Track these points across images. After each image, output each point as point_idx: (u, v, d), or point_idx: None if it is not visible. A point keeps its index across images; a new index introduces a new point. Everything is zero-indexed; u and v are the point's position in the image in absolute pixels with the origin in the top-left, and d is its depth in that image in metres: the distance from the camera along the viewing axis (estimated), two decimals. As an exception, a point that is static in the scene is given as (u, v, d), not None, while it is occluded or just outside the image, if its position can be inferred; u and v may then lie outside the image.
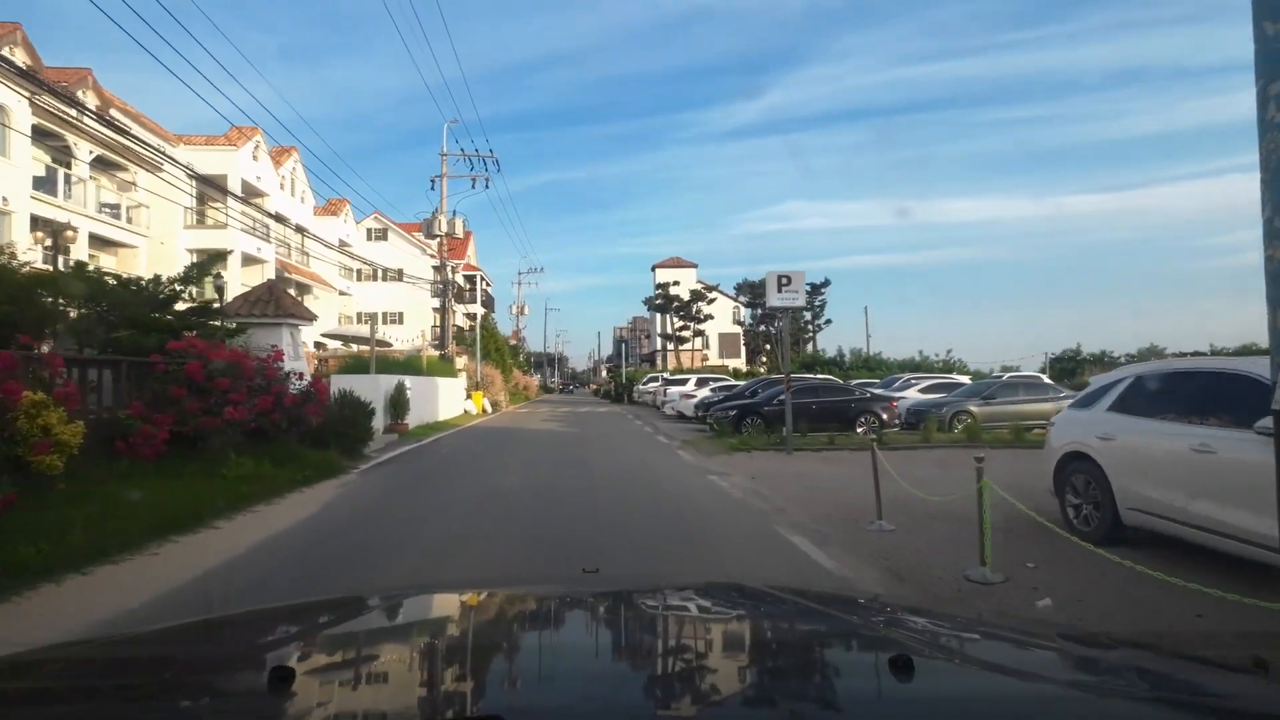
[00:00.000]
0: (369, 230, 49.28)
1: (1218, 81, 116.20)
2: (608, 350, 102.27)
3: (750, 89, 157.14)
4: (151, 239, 29.04)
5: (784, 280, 13.22)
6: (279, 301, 11.64)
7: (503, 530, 6.88)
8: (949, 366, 44.60)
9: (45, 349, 7.66)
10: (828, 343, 68.87)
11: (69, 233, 19.40)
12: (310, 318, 12.54)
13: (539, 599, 1.81)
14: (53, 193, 23.33)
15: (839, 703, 1.08)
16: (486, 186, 29.54)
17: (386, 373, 17.53)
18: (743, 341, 72.73)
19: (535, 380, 66.11)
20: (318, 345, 30.43)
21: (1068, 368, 45.56)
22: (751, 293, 71.77)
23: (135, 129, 28.79)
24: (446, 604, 1.81)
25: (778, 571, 5.42)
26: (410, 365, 20.97)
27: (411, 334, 41.97)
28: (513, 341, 58.28)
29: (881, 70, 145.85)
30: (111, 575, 5.10)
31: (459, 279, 54.54)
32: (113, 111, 28.32)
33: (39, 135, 23.33)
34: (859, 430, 16.79)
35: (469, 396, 28.51)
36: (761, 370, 48.62)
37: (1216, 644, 4.51)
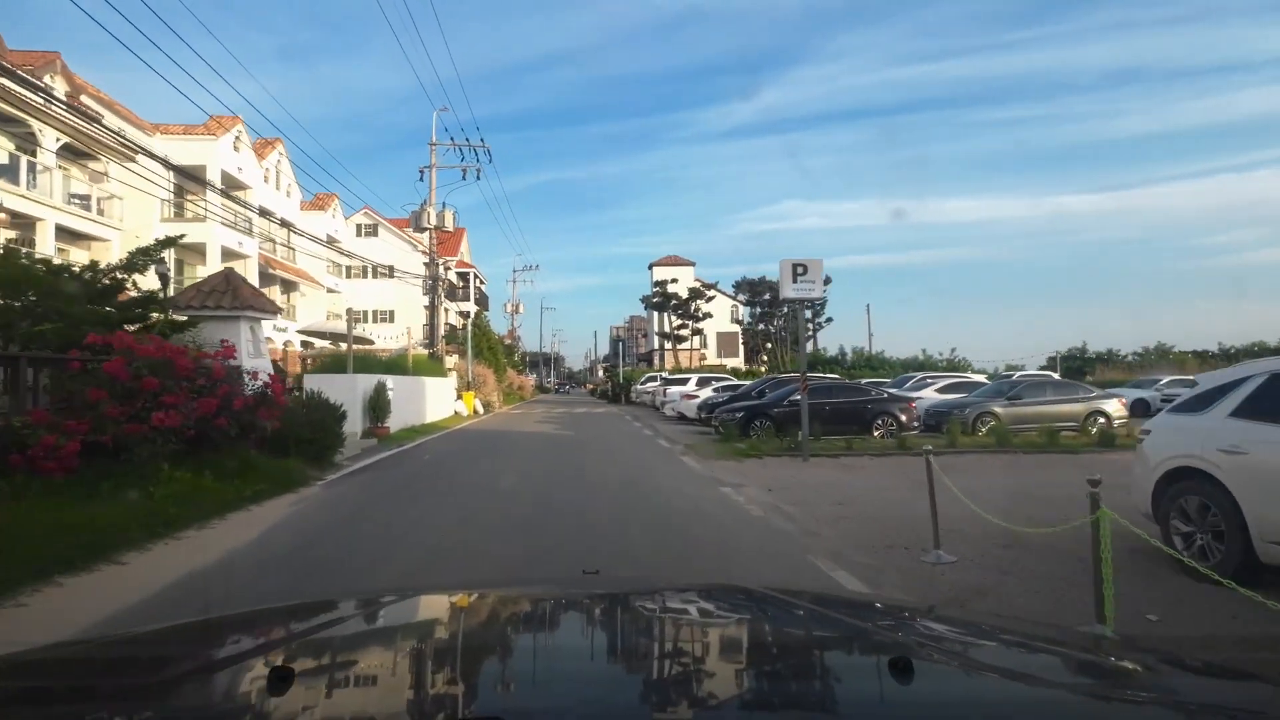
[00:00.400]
0: (359, 226, 47.93)
1: (1215, 82, 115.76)
2: (604, 350, 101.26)
3: (747, 89, 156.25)
4: (125, 232, 27.64)
5: (799, 269, 11.99)
6: (237, 292, 10.35)
7: (482, 563, 5.64)
8: (953, 365, 43.57)
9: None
10: (827, 342, 67.63)
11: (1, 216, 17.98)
12: (274, 311, 11.27)
13: (539, 600, 1.80)
14: (15, 181, 21.98)
15: (838, 705, 1.07)
16: (478, 178, 28.25)
17: (366, 372, 16.23)
18: (741, 341, 71.62)
19: (531, 380, 64.81)
20: (305, 344, 29.15)
21: (1074, 366, 44.35)
22: (751, 291, 70.69)
23: (108, 117, 27.52)
24: (446, 605, 1.76)
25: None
26: (395, 364, 19.69)
27: (397, 331, 40.59)
28: (507, 341, 56.99)
29: (879, 70, 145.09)
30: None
31: (451, 276, 53.25)
32: (84, 98, 26.99)
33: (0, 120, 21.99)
34: (876, 433, 15.57)
35: (460, 397, 27.22)
36: (762, 370, 47.38)
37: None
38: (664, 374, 40.06)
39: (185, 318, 10.08)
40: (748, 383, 23.38)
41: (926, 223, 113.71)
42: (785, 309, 70.77)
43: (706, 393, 22.01)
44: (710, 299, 63.14)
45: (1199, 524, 5.05)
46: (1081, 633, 1.98)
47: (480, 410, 28.33)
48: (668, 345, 62.19)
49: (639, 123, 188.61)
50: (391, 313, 47.30)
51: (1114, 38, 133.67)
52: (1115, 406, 16.22)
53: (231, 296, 10.32)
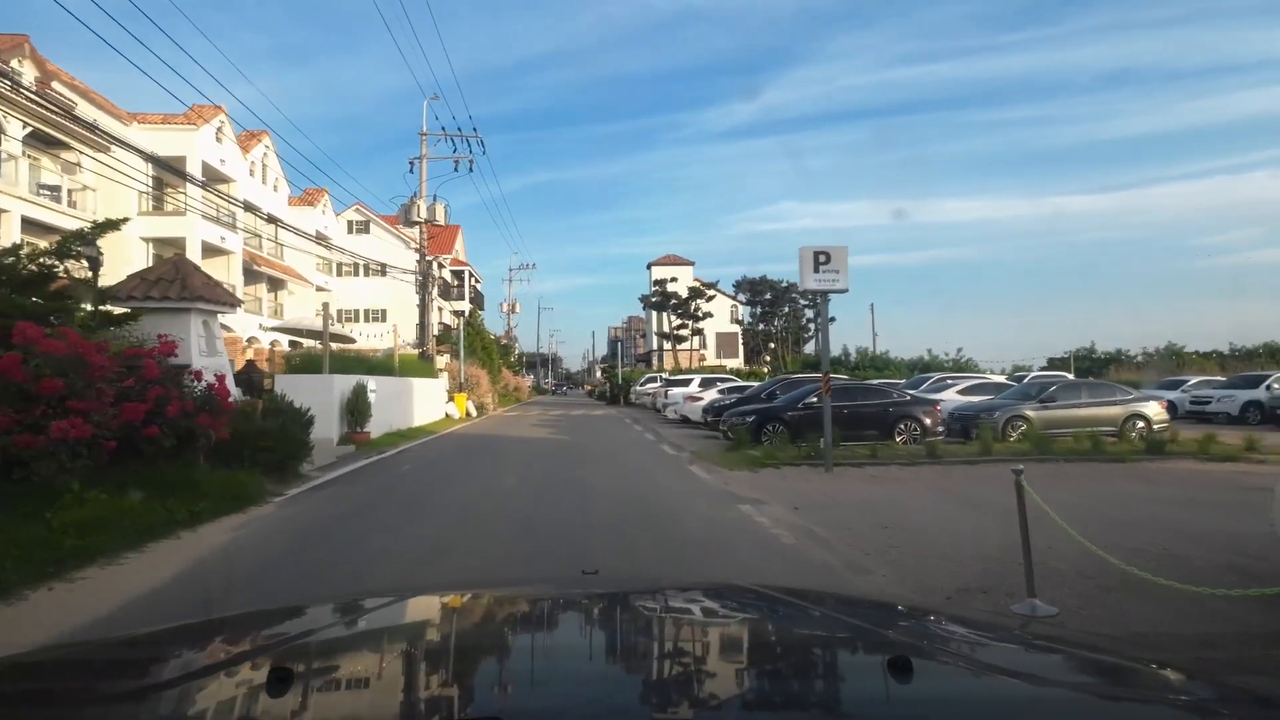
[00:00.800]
0: (350, 223, 46.63)
1: (1212, 82, 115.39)
2: (602, 351, 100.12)
3: (746, 89, 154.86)
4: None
5: (821, 258, 10.75)
6: (186, 281, 9.09)
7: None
8: (959, 366, 42.42)
9: None
10: (830, 342, 66.27)
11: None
12: (232, 303, 10.01)
13: (538, 600, 1.79)
14: (-25, 169, 20.70)
15: (837, 705, 1.08)
16: (470, 169, 27.00)
17: (345, 372, 14.96)
18: (741, 341, 70.43)
19: (527, 381, 63.52)
20: (293, 344, 27.72)
21: (1084, 366, 43.12)
22: (751, 290, 69.62)
23: (82, 105, 26.23)
24: (445, 605, 1.76)
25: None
26: (379, 364, 18.41)
27: (384, 329, 39.23)
28: (504, 341, 55.72)
29: (876, 71, 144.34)
30: None
31: (446, 274, 51.97)
32: (57, 85, 25.71)
33: (-41, 105, 20.70)
34: (898, 439, 14.33)
35: (451, 399, 25.95)
36: (764, 370, 46.13)
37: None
38: (664, 375, 38.83)
39: (126, 310, 8.81)
40: (754, 384, 22.17)
41: (925, 223, 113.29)
42: (786, 308, 69.99)
43: (711, 394, 20.76)
44: (710, 298, 61.95)
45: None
46: (1082, 632, 1.91)
47: (473, 413, 27.05)
48: (667, 345, 61.01)
49: (636, 123, 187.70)
50: (384, 312, 45.89)
51: (1110, 39, 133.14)
52: (1155, 409, 15.01)
53: (180, 286, 9.06)
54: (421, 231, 26.53)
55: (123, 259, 27.44)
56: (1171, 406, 21.06)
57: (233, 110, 33.82)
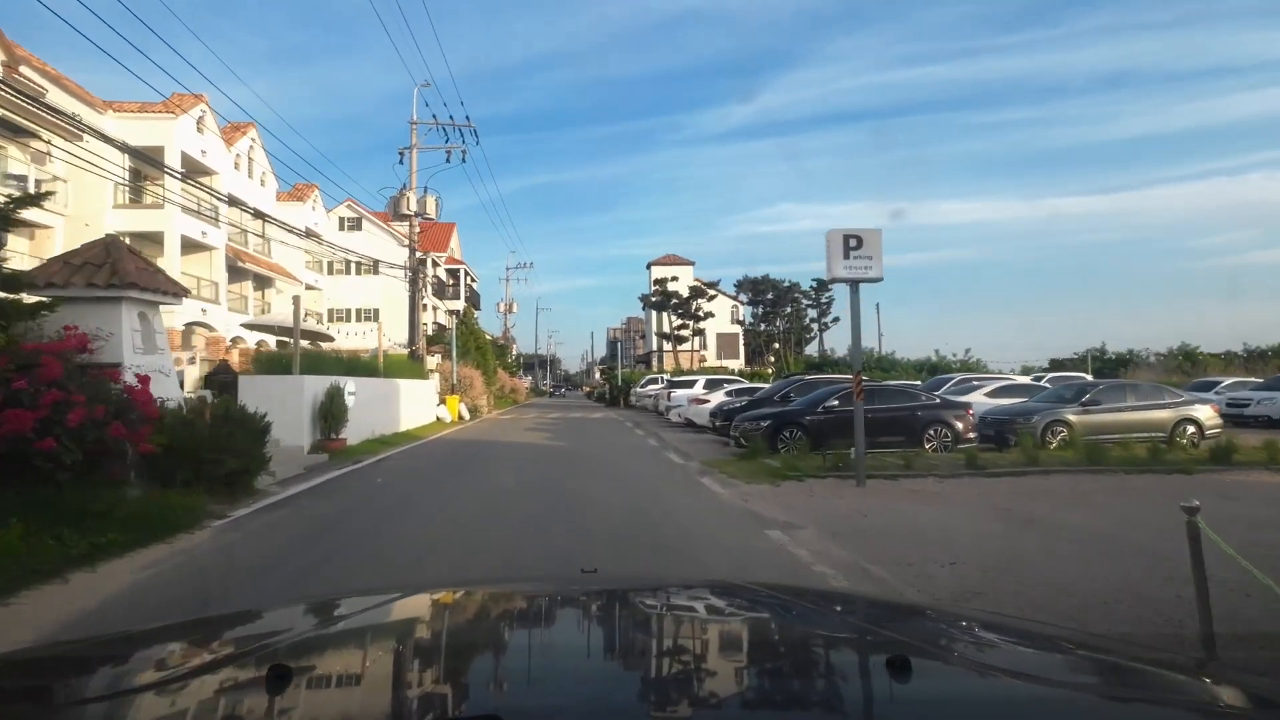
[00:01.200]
0: (341, 220, 45.28)
1: (1209, 84, 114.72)
2: (601, 352, 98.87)
3: (744, 91, 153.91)
4: (72, 218, 25.04)
5: (852, 242, 9.44)
6: (118, 266, 7.76)
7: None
8: (967, 366, 41.20)
9: None
10: (834, 342, 65.14)
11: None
12: (176, 291, 8.67)
13: (537, 598, 1.74)
14: (-70, 157, 19.37)
15: (836, 703, 1.07)
16: (463, 160, 25.62)
17: (320, 372, 13.62)
18: (742, 341, 69.16)
19: (525, 383, 62.17)
20: (280, 344, 26.25)
21: (1099, 368, 41.78)
22: (753, 290, 68.41)
23: (53, 92, 24.89)
24: (444, 603, 1.72)
25: None
26: (360, 364, 17.09)
27: (375, 329, 37.81)
28: (500, 341, 54.38)
29: (874, 73, 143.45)
30: None
31: (440, 273, 50.65)
32: (26, 70, 24.38)
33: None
34: (928, 446, 13.03)
35: (442, 402, 24.62)
36: (768, 371, 44.79)
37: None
38: (666, 375, 37.54)
39: (43, 299, 7.48)
40: (765, 385, 20.85)
41: (923, 224, 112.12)
42: (788, 308, 68.72)
43: (719, 396, 19.43)
44: (712, 298, 60.71)
45: None
46: (1082, 631, 1.82)
47: (465, 416, 25.72)
48: (667, 346, 59.72)
49: (635, 125, 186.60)
50: (376, 311, 44.41)
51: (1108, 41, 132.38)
52: (1208, 413, 13.72)
53: (109, 272, 7.74)
54: (411, 225, 25.19)
55: (97, 254, 26.22)
56: (1208, 409, 19.82)
57: (225, 108, 32.49)
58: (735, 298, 68.75)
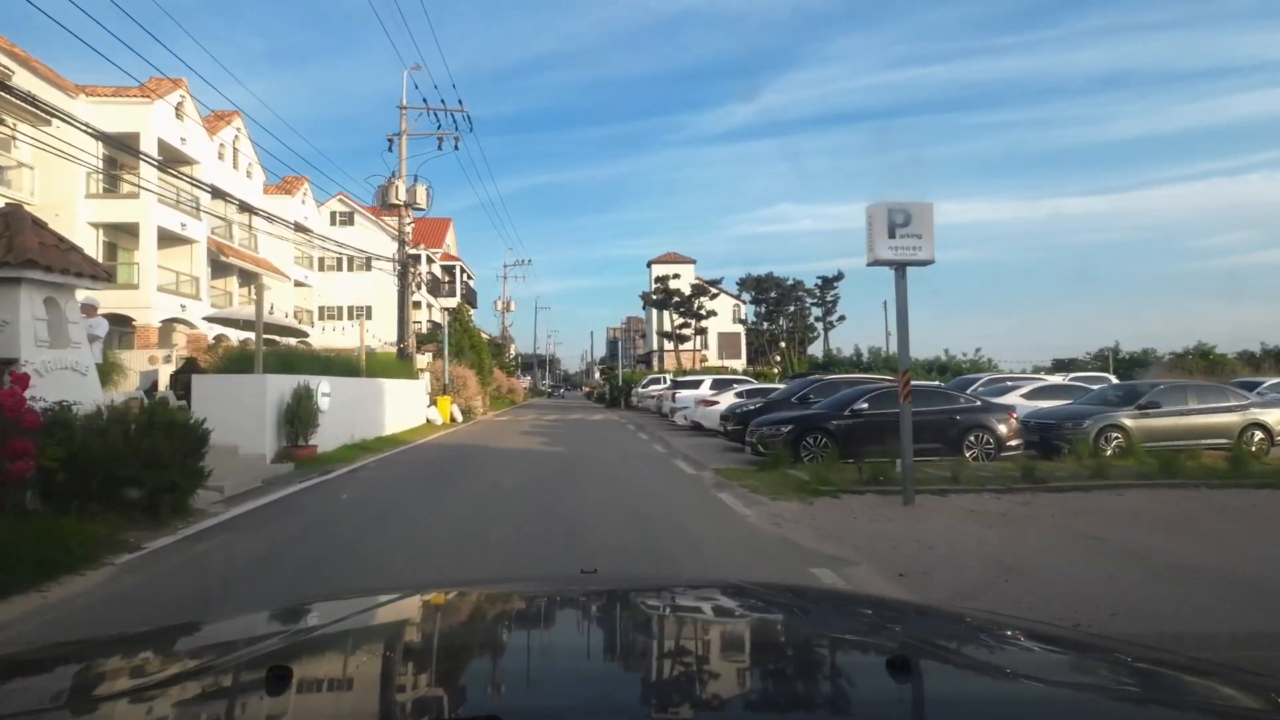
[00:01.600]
0: (333, 214, 43.87)
1: (1206, 86, 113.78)
2: (601, 352, 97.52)
3: (743, 91, 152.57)
4: (40, 207, 23.51)
5: (898, 217, 8.04)
6: (15, 240, 6.35)
7: None
8: (977, 366, 39.93)
9: None
10: (840, 341, 63.86)
11: None
12: (95, 274, 7.25)
13: (537, 598, 1.73)
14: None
15: (836, 703, 1.07)
16: (456, 147, 24.24)
17: (290, 370, 12.21)
18: (744, 341, 67.78)
19: (523, 383, 60.79)
20: (269, 342, 24.67)
21: (1114, 368, 40.36)
22: (756, 288, 66.93)
23: (20, 74, 23.46)
24: (444, 603, 1.72)
25: None
26: (340, 363, 15.69)
27: (368, 327, 36.26)
28: (498, 340, 52.97)
29: (873, 74, 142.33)
30: None
31: (436, 270, 49.20)
32: (-9, 51, 22.99)
33: None
34: (967, 454, 11.63)
35: (434, 403, 23.20)
36: (775, 371, 43.37)
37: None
38: (669, 375, 36.14)
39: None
40: (774, 385, 19.44)
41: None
42: (791, 308, 67.27)
43: (728, 398, 18.00)
44: (714, 296, 59.33)
45: None
46: (1083, 631, 1.76)
47: (458, 418, 24.30)
48: (668, 345, 58.37)
49: (634, 125, 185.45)
50: (369, 309, 42.97)
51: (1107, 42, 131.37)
52: (1278, 417, 12.33)
53: (4, 248, 6.33)
54: (401, 215, 23.78)
55: (68, 246, 24.80)
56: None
57: (212, 100, 31.05)
58: (737, 296, 67.38)
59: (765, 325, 67.21)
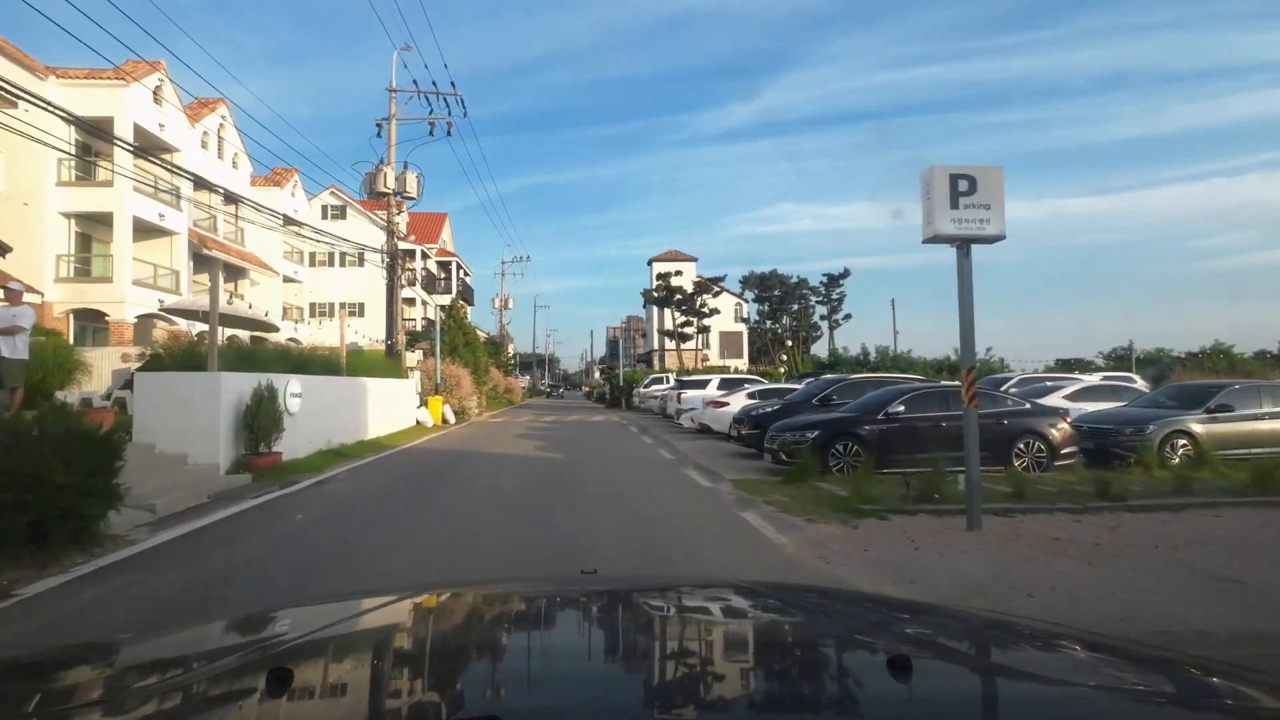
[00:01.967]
0: (325, 208, 42.51)
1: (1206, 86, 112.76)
2: (601, 351, 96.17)
3: (743, 91, 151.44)
4: (7, 196, 22.27)
5: (962, 185, 6.68)
6: None
7: None
8: (989, 365, 38.52)
9: None
10: (846, 340, 62.50)
11: None
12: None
13: (537, 598, 1.72)
14: None
15: (837, 703, 1.06)
16: (448, 132, 22.86)
17: (255, 368, 10.84)
18: (747, 340, 66.44)
19: (521, 382, 59.41)
20: (255, 339, 23.12)
21: (1144, 367, 38.86)
22: (760, 286, 65.54)
23: (-15, 54, 22.11)
24: (444, 604, 1.69)
25: None
26: (316, 360, 14.33)
27: (362, 324, 34.92)
28: (496, 339, 51.62)
29: (873, 74, 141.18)
30: None
31: (431, 266, 47.82)
32: (-47, 29, 21.60)
33: None
34: (1016, 464, 10.27)
35: (424, 403, 21.85)
36: (780, 371, 42.01)
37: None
38: (671, 374, 34.80)
39: None
40: (793, 386, 18.08)
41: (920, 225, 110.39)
42: (795, 306, 65.87)
43: (739, 399, 16.65)
44: (717, 294, 58.02)
45: None
46: (1084, 630, 1.66)
47: (450, 419, 22.94)
48: (669, 344, 56.99)
49: (634, 125, 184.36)
50: (361, 306, 41.74)
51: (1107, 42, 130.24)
52: (1365, 422, 10.98)
53: None
54: (390, 204, 22.42)
55: (37, 236, 23.38)
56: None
57: (198, 88, 29.71)
58: (739, 295, 66.06)
59: (768, 324, 65.86)
